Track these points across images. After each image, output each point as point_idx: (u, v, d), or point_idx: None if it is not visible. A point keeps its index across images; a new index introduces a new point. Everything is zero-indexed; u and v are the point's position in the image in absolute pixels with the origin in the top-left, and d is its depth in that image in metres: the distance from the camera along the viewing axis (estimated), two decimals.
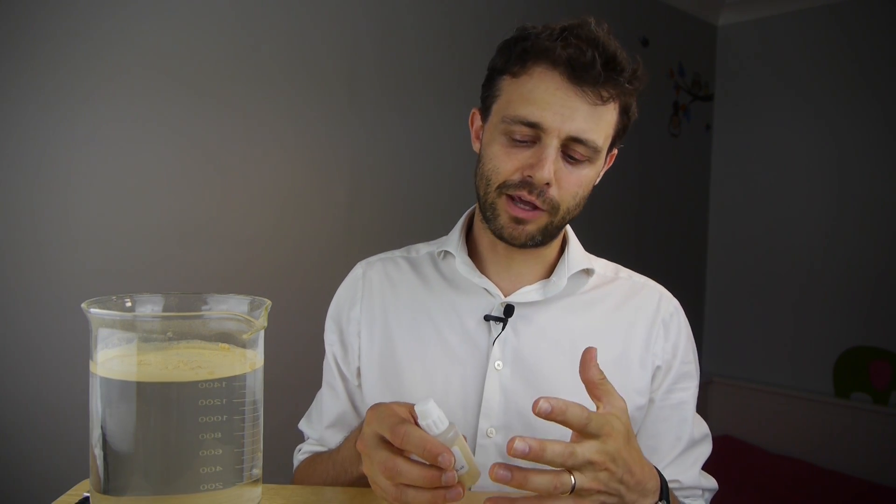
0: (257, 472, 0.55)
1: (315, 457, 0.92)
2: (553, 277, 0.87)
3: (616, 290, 0.91)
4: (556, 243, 0.90)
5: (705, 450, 0.90)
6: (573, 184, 0.80)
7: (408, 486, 0.58)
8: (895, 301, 2.83)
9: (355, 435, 0.76)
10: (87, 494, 0.57)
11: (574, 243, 0.91)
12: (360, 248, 1.01)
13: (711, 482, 0.91)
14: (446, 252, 0.91)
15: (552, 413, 0.58)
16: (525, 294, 0.86)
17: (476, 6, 2.29)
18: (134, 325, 0.51)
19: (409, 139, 2.13)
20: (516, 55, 0.80)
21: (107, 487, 0.50)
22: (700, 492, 0.89)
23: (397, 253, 0.98)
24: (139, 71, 1.59)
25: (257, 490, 0.56)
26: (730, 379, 3.16)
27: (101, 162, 1.54)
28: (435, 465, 0.57)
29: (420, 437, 0.58)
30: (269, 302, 0.56)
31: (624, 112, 0.83)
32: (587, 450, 0.59)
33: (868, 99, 2.91)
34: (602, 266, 0.94)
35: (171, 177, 1.66)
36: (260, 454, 0.56)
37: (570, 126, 0.77)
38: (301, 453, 0.97)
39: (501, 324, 0.85)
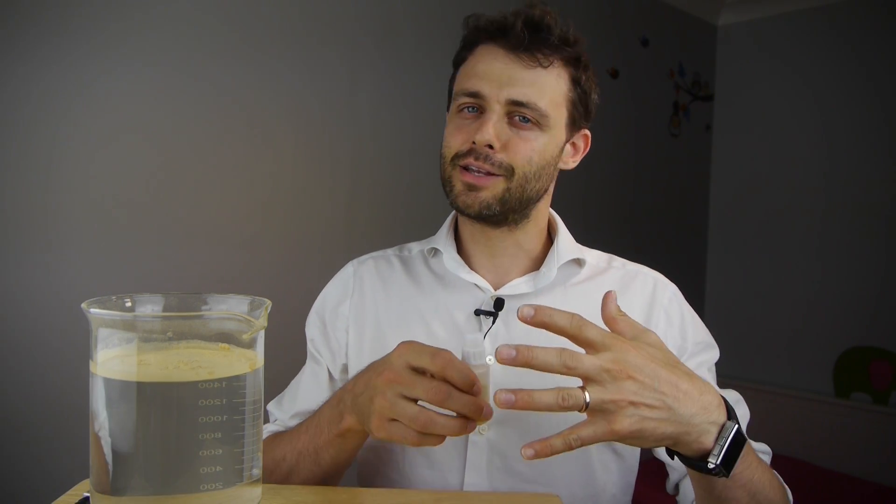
0: (257, 472, 0.55)
1: (276, 435, 0.89)
2: (542, 268, 0.87)
3: (609, 280, 0.91)
4: (540, 232, 0.91)
5: (742, 412, 0.88)
6: (523, 148, 0.81)
7: (435, 416, 0.62)
8: (895, 301, 2.83)
9: (337, 395, 0.76)
10: (87, 494, 0.57)
11: (563, 234, 0.91)
12: (360, 248, 1.01)
13: (763, 446, 0.88)
14: (435, 249, 0.92)
15: (534, 320, 0.58)
16: (515, 286, 0.87)
17: (477, 2, 2.29)
18: (134, 325, 0.51)
19: (411, 133, 2.13)
20: (463, 45, 0.87)
21: (107, 487, 0.50)
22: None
23: (390, 251, 0.99)
24: (138, 69, 1.59)
25: (257, 490, 0.56)
26: (730, 379, 3.15)
27: (101, 161, 1.54)
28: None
29: (461, 365, 0.62)
30: (269, 302, 0.56)
31: (576, 83, 0.85)
32: (596, 358, 0.56)
33: (868, 99, 2.91)
34: (595, 257, 0.94)
35: (171, 177, 1.66)
36: (260, 454, 0.56)
37: (510, 91, 0.80)
38: (265, 433, 0.94)
39: (492, 318, 0.85)
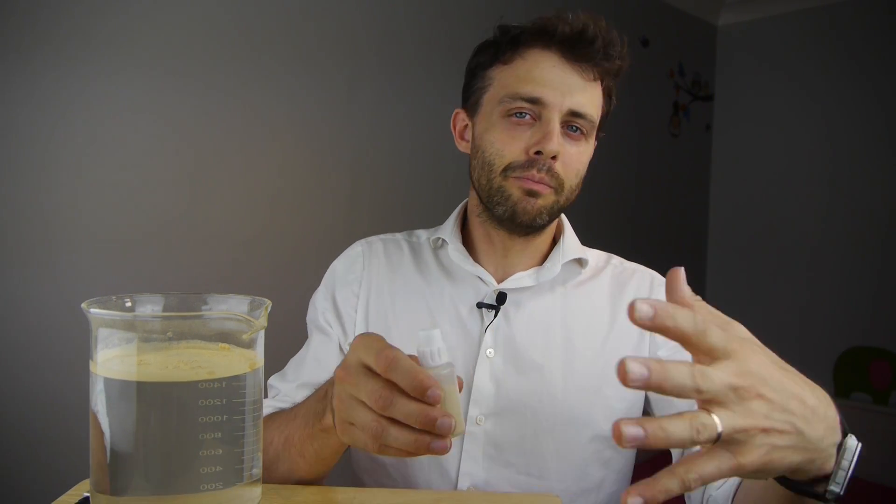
0: (257, 471, 0.55)
1: (274, 414, 0.85)
2: (547, 263, 0.88)
3: (608, 277, 0.92)
4: (550, 233, 0.91)
5: None
6: (575, 160, 0.81)
7: (392, 422, 0.51)
8: (895, 301, 2.82)
9: (325, 386, 0.70)
10: (87, 494, 0.57)
11: (569, 233, 0.92)
12: None
13: None
14: (442, 240, 0.92)
15: (655, 316, 0.41)
16: (518, 280, 0.87)
17: (472, 7, 2.29)
18: (134, 325, 0.51)
19: (410, 134, 2.13)
20: (507, 43, 0.83)
21: (107, 487, 0.50)
22: None
23: (399, 235, 0.99)
24: (137, 68, 1.59)
25: (257, 490, 0.56)
26: None
27: (101, 161, 1.54)
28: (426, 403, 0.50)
29: (410, 366, 0.50)
30: (269, 302, 0.56)
31: (608, 96, 0.85)
32: (721, 372, 0.42)
33: (867, 99, 2.91)
34: (595, 256, 0.95)
35: (170, 176, 1.66)
36: (260, 454, 0.56)
37: (570, 101, 0.79)
38: (264, 408, 0.91)
39: (493, 311, 0.86)
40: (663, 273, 0.95)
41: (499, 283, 0.88)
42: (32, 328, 1.45)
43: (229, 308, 0.56)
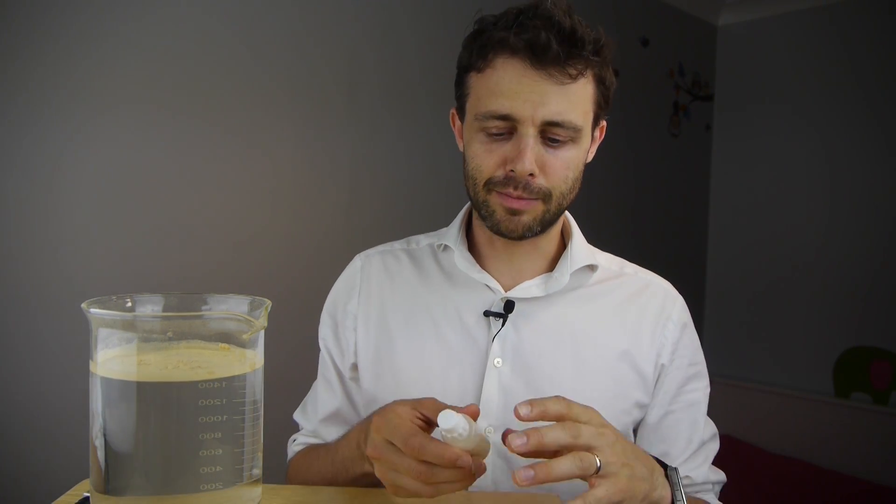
0: (257, 472, 0.55)
1: (311, 450, 0.91)
2: (555, 273, 0.86)
3: (621, 287, 0.90)
4: (556, 235, 0.89)
5: (714, 446, 0.90)
6: (560, 168, 0.78)
7: (438, 472, 0.59)
8: (895, 301, 2.82)
9: (356, 434, 0.75)
10: (87, 494, 0.57)
11: (577, 237, 0.89)
12: (360, 248, 1.01)
13: (720, 475, 0.91)
14: (446, 245, 0.90)
15: (532, 414, 0.59)
16: (526, 289, 0.85)
17: (471, 9, 2.29)
18: (134, 325, 0.51)
19: (408, 140, 2.13)
20: (477, 50, 0.79)
21: (107, 487, 0.50)
22: (710, 486, 0.90)
23: (397, 245, 0.97)
24: (139, 72, 1.59)
25: (257, 490, 0.56)
26: (729, 379, 3.15)
27: (101, 162, 1.54)
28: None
29: (436, 448, 0.58)
30: (269, 302, 0.56)
31: (600, 83, 0.80)
32: (590, 425, 0.59)
33: (866, 99, 2.91)
34: (606, 260, 0.93)
35: (171, 177, 1.66)
36: (260, 454, 0.56)
37: (544, 111, 0.74)
38: (296, 444, 0.95)
39: (501, 320, 0.84)
40: (667, 273, 0.95)
41: (506, 290, 0.85)
42: (32, 328, 1.45)
43: (229, 308, 0.56)
